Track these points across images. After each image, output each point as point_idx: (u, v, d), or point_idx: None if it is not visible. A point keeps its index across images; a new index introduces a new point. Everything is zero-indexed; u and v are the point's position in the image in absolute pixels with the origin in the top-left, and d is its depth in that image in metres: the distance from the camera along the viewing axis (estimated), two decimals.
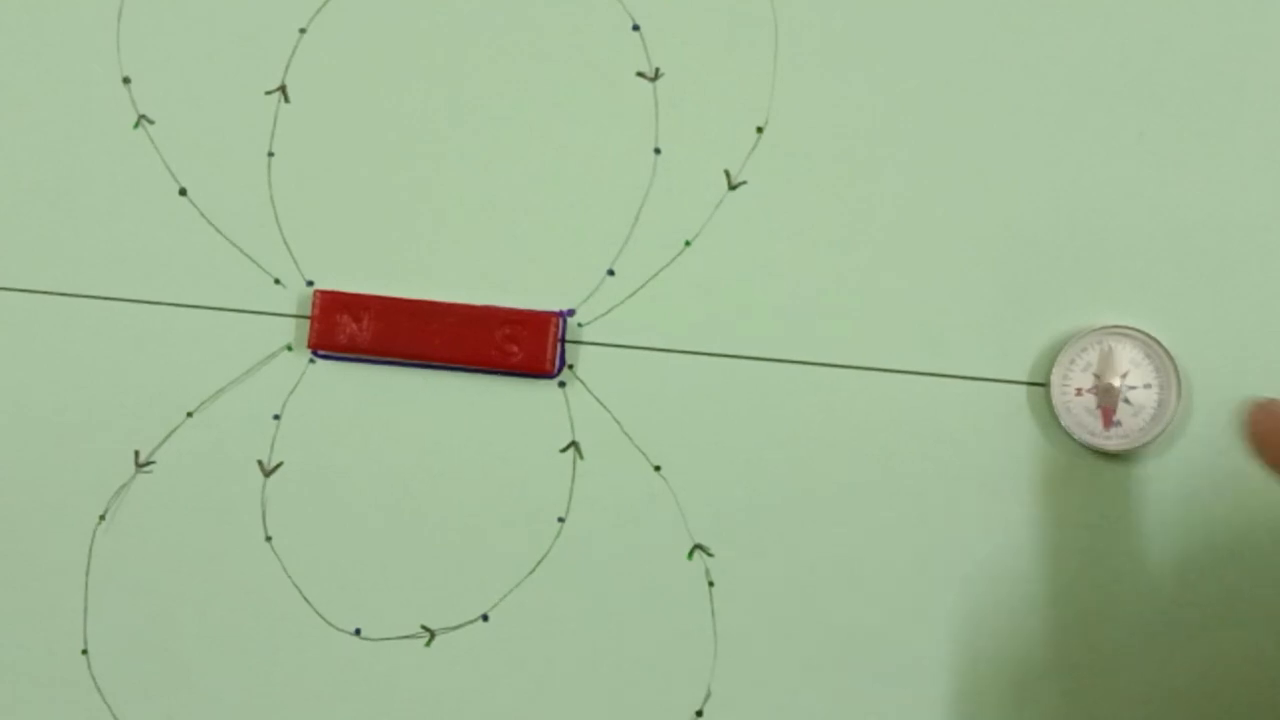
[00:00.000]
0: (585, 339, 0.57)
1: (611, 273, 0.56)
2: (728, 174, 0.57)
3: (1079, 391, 0.54)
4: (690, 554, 0.56)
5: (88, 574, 0.57)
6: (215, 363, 0.57)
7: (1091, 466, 0.54)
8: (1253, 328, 0.54)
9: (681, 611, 0.55)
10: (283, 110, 0.58)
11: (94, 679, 0.57)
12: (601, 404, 0.56)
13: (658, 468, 0.56)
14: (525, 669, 0.56)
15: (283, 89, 0.58)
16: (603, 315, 0.57)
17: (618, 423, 0.56)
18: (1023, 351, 0.55)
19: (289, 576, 0.57)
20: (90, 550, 0.57)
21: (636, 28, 0.57)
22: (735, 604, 0.55)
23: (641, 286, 0.56)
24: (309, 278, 0.58)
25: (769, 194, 0.56)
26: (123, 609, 0.57)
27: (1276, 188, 0.54)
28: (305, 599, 0.57)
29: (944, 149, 0.56)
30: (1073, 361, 0.54)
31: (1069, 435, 0.54)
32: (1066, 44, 0.56)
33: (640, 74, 0.57)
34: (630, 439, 0.56)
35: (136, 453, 0.57)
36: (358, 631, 0.57)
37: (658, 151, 0.57)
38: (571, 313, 0.56)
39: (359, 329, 0.56)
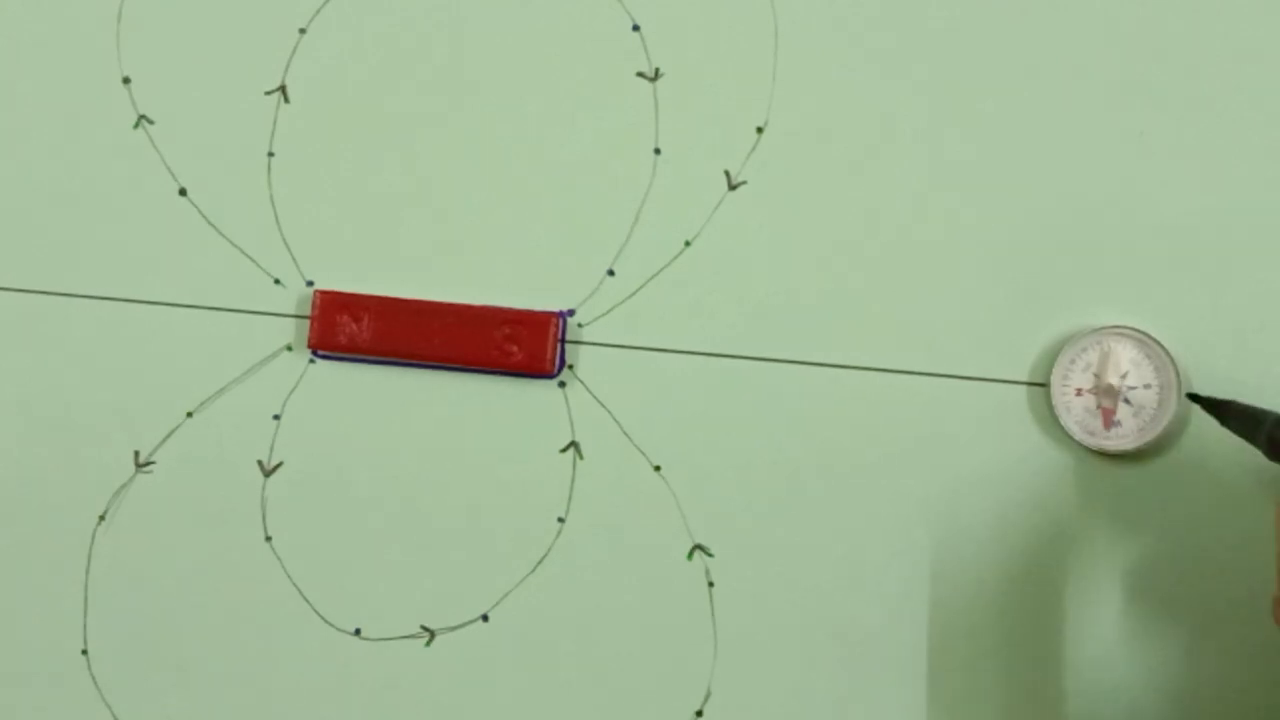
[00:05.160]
0: (585, 339, 0.57)
1: (611, 273, 0.56)
2: (728, 174, 0.57)
3: (1079, 391, 0.54)
4: (690, 554, 0.56)
5: (88, 574, 0.57)
6: (215, 363, 0.57)
7: (1091, 466, 0.54)
8: (1252, 328, 0.54)
9: (681, 611, 0.55)
10: (282, 110, 0.58)
11: (94, 679, 0.57)
12: (601, 404, 0.56)
13: (658, 468, 0.56)
14: (525, 669, 0.56)
15: (282, 89, 0.58)
16: (603, 315, 0.57)
17: (618, 423, 0.56)
18: (1023, 351, 0.55)
19: (289, 576, 0.57)
20: (90, 550, 0.57)
21: (637, 28, 0.57)
22: (735, 604, 0.55)
23: (641, 286, 0.56)
24: (309, 278, 0.58)
25: (769, 194, 0.56)
26: (123, 609, 0.57)
27: (1276, 188, 0.54)
28: (305, 599, 0.57)
29: (944, 149, 0.56)
30: (1073, 361, 0.54)
31: (1069, 435, 0.54)
32: (1067, 44, 0.56)
33: (641, 74, 0.57)
34: (630, 439, 0.56)
35: (136, 453, 0.57)
36: (358, 631, 0.57)
37: (658, 152, 0.57)
38: (571, 313, 0.56)
39: (359, 329, 0.56)
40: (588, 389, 0.56)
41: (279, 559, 0.57)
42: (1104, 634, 0.54)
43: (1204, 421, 0.53)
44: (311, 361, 0.57)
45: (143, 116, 0.58)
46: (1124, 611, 0.54)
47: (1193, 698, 0.53)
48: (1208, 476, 0.54)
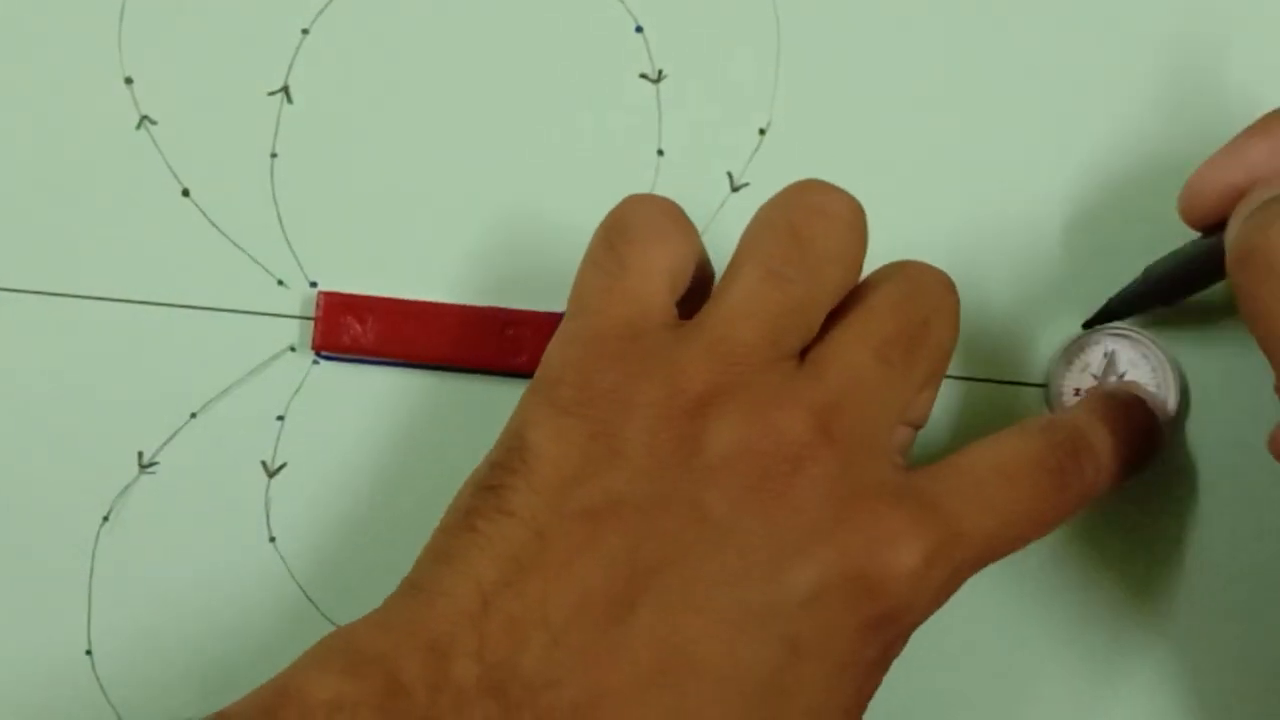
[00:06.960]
0: None
1: None
2: (730, 176, 0.57)
3: (1077, 392, 0.54)
4: None
5: (91, 575, 0.57)
6: (218, 364, 0.57)
7: None
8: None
9: None
10: (285, 111, 0.58)
11: (98, 679, 0.57)
12: None
13: None
14: None
15: (285, 90, 0.58)
16: None
17: None
18: (1022, 351, 0.56)
19: (293, 577, 0.57)
20: (94, 551, 0.57)
21: (639, 29, 0.58)
22: None
23: None
24: (312, 279, 0.58)
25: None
26: (126, 610, 0.57)
27: None
28: (310, 600, 0.57)
29: (944, 150, 0.56)
30: (1071, 363, 0.54)
31: None
32: (1067, 44, 0.56)
33: (643, 75, 0.57)
34: None
35: (140, 454, 0.57)
36: None
37: (660, 153, 0.57)
38: None
39: (363, 330, 0.56)
40: None
41: (283, 560, 0.57)
42: (1103, 635, 0.54)
43: (1203, 422, 0.54)
44: (315, 363, 0.57)
45: (145, 117, 0.58)
46: (1123, 613, 0.54)
47: (1193, 700, 0.54)
48: (1207, 478, 0.54)
